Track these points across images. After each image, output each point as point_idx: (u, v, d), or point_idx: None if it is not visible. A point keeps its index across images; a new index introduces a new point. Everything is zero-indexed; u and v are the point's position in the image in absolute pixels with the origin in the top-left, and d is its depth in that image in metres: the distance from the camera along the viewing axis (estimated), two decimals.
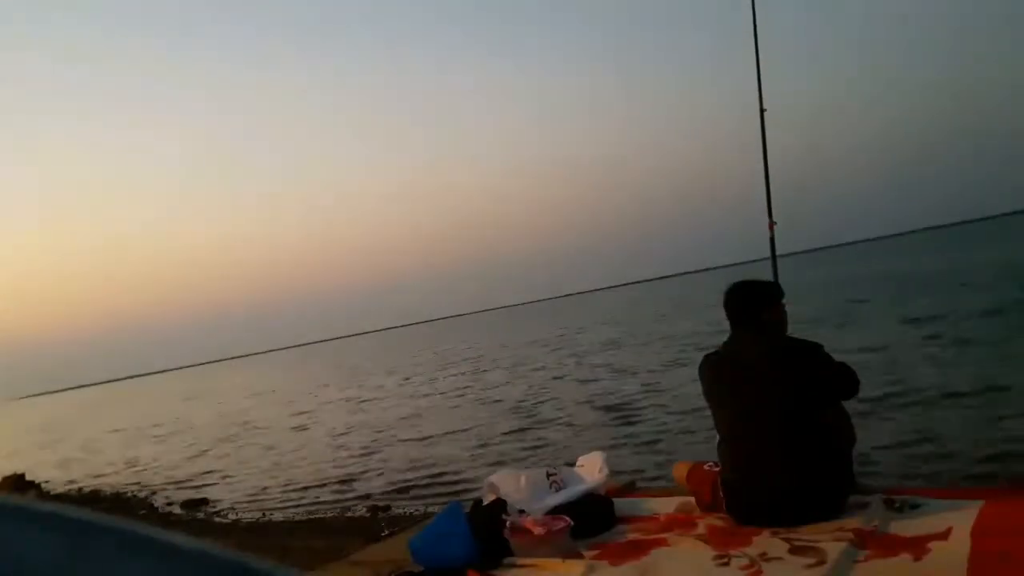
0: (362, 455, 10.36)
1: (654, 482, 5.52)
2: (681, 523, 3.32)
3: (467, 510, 3.53)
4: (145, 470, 12.73)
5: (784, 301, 3.45)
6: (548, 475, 3.74)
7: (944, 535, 2.74)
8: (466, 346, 34.89)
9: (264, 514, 7.93)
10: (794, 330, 3.42)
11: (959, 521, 2.80)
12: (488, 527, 3.30)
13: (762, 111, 4.58)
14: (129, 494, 10.68)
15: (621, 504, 3.63)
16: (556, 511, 3.40)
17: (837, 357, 3.21)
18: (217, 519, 8.17)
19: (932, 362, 9.66)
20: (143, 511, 9.21)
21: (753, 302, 3.35)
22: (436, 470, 8.47)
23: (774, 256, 4.55)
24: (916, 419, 6.94)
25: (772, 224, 4.57)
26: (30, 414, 53.32)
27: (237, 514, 8.20)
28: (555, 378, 15.13)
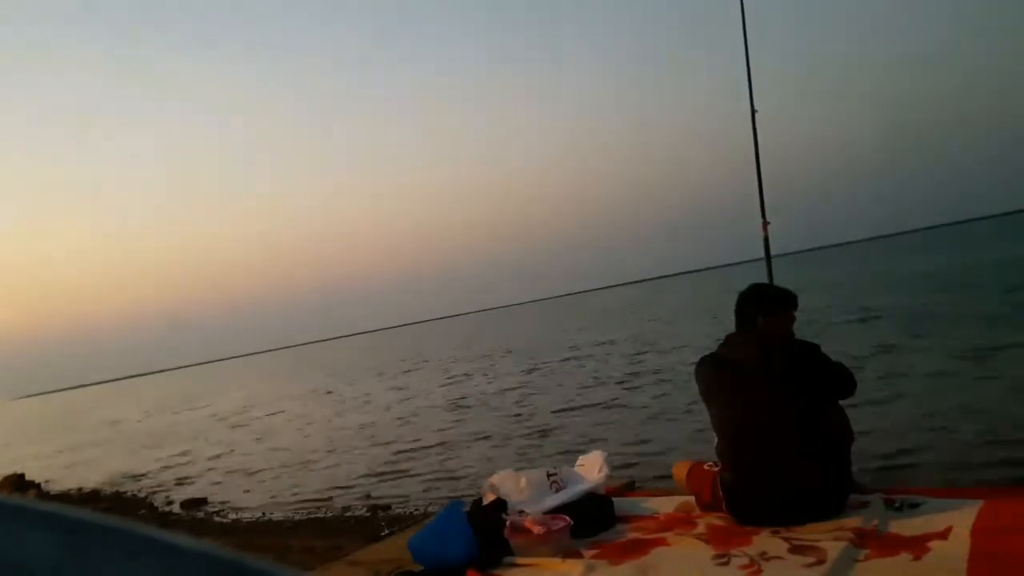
0: (361, 456, 10.37)
1: (654, 481, 5.52)
2: (681, 522, 3.32)
3: (467, 510, 3.54)
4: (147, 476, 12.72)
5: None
6: (548, 475, 3.75)
7: (944, 534, 2.74)
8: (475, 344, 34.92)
9: (264, 514, 7.93)
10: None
11: (959, 520, 2.81)
12: (488, 527, 3.30)
13: (753, 112, 4.61)
14: (129, 494, 10.67)
15: (621, 503, 3.63)
16: (556, 511, 3.40)
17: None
18: (217, 519, 8.16)
19: (927, 363, 9.66)
20: (143, 511, 9.21)
21: (749, 306, 3.36)
22: (437, 470, 8.47)
23: (768, 256, 4.56)
24: (916, 419, 6.94)
25: (765, 224, 4.58)
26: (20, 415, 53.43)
27: (237, 514, 8.19)
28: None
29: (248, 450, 12.95)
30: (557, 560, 3.07)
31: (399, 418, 13.38)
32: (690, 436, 7.35)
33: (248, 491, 9.32)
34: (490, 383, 16.27)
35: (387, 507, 7.12)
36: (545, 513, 3.38)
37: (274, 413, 18.68)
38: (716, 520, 3.25)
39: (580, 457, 4.05)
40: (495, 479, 3.75)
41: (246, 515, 8.04)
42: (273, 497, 8.64)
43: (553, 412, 10.76)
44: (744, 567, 2.76)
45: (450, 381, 18.44)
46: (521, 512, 3.40)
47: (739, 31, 4.62)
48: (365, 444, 11.21)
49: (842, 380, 3.18)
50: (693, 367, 3.43)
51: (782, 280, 4.14)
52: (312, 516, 7.40)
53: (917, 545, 2.70)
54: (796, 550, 2.81)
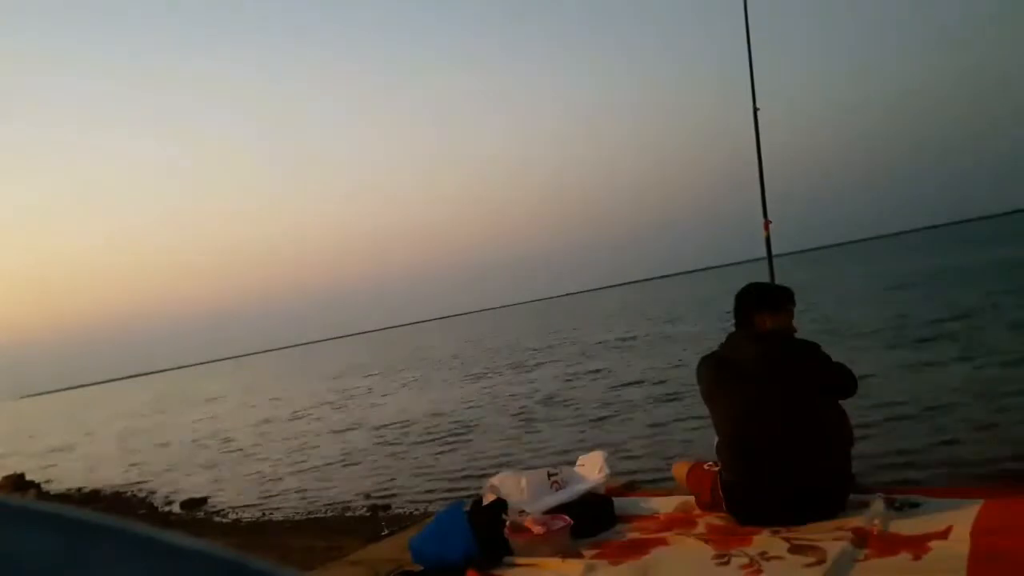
0: (358, 455, 10.36)
1: (654, 479, 5.52)
2: (681, 522, 3.32)
3: (467, 509, 3.53)
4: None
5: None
6: (549, 475, 3.74)
7: (944, 534, 2.74)
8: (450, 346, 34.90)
9: (264, 514, 7.93)
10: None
11: (959, 520, 2.81)
12: (488, 526, 3.30)
13: (755, 110, 4.60)
14: (129, 494, 10.68)
15: (621, 503, 3.63)
16: (556, 511, 3.40)
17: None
18: (217, 519, 8.17)
19: (926, 362, 9.67)
20: (143, 511, 9.21)
21: (748, 305, 3.35)
22: (436, 470, 8.47)
23: (770, 255, 4.55)
24: (916, 419, 6.94)
25: (767, 223, 4.57)
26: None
27: (237, 514, 8.19)
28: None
29: (249, 449, 12.95)
30: (557, 560, 3.07)
31: (398, 416, 13.38)
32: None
33: (249, 491, 9.32)
34: (494, 381, 16.28)
35: (387, 507, 7.12)
36: (545, 513, 3.37)
37: (278, 410, 18.69)
38: (716, 520, 3.25)
39: (580, 457, 4.04)
40: (495, 479, 3.74)
41: (246, 515, 8.04)
42: (273, 497, 8.65)
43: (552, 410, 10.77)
44: (744, 567, 2.76)
45: (451, 382, 18.44)
46: (521, 512, 3.40)
47: (742, 29, 4.62)
48: (364, 444, 11.21)
49: (842, 379, 3.18)
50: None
51: (783, 280, 4.14)
52: (312, 516, 7.40)
53: (917, 545, 2.70)
54: (796, 550, 2.81)
